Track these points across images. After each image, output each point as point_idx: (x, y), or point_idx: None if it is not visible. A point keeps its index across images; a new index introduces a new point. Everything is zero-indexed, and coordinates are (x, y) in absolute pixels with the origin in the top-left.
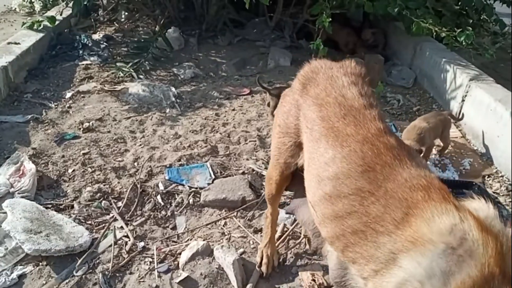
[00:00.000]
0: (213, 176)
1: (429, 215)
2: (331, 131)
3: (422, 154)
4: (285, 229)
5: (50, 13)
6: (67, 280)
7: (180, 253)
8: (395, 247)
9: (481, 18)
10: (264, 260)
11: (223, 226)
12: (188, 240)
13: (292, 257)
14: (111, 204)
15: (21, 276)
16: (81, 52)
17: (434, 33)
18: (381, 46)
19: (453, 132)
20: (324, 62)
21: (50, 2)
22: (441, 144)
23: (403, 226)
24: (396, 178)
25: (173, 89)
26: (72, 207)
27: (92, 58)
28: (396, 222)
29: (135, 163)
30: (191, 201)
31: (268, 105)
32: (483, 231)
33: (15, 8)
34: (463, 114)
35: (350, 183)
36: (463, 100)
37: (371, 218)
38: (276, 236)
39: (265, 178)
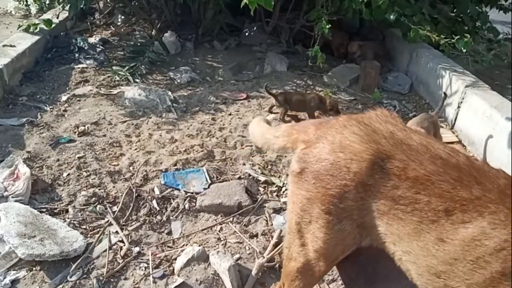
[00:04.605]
0: (209, 181)
1: None
2: (451, 203)
3: None
4: (281, 235)
5: (46, 16)
6: (61, 286)
7: (175, 259)
8: None
9: (476, 25)
10: None
11: (219, 231)
12: (183, 245)
13: None
14: (106, 208)
15: (14, 281)
16: (77, 55)
17: (432, 40)
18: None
19: (449, 137)
20: (365, 125)
21: (47, 5)
22: None
23: None
24: None
25: (169, 93)
26: (67, 211)
27: (88, 62)
28: None
29: (131, 167)
30: (186, 206)
31: (270, 110)
32: None
33: (11, 11)
34: (445, 94)
35: None
36: (458, 107)
37: None
38: (273, 242)
39: (298, 269)
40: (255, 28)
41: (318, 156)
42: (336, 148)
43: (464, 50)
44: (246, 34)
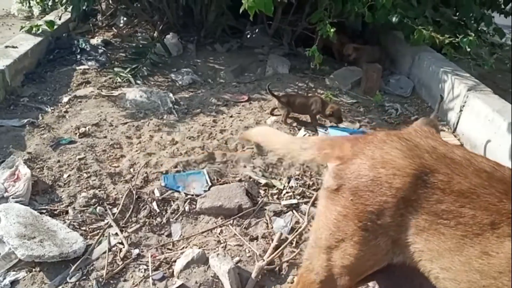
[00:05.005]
0: (210, 183)
1: None
2: (498, 216)
3: None
4: (282, 238)
5: (48, 17)
6: (60, 287)
7: (175, 261)
8: None
9: (479, 28)
10: None
11: (219, 234)
12: (183, 247)
13: (287, 266)
14: (106, 210)
15: (14, 282)
16: (79, 56)
17: (436, 41)
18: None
19: (451, 141)
20: (407, 142)
21: (49, 6)
22: None
23: None
24: None
25: (170, 95)
26: (67, 212)
27: (90, 63)
28: None
29: (131, 169)
30: (187, 208)
31: (272, 112)
32: None
33: (14, 12)
34: (441, 96)
35: None
36: (461, 110)
37: None
38: (273, 245)
39: (321, 281)
40: (257, 30)
41: (357, 172)
42: (376, 163)
43: (469, 49)
44: (248, 36)
